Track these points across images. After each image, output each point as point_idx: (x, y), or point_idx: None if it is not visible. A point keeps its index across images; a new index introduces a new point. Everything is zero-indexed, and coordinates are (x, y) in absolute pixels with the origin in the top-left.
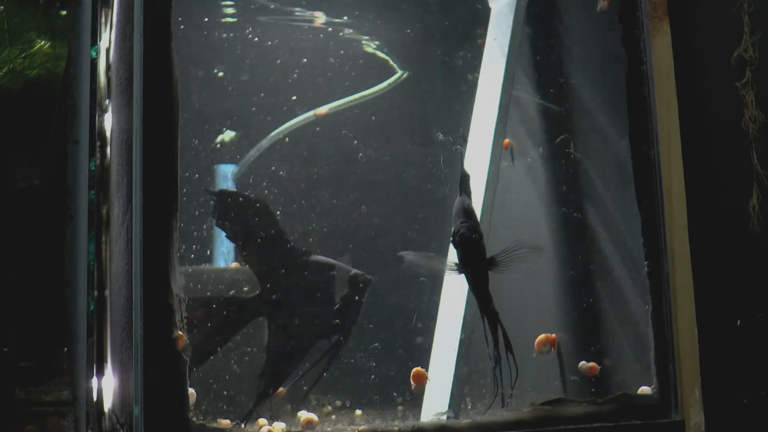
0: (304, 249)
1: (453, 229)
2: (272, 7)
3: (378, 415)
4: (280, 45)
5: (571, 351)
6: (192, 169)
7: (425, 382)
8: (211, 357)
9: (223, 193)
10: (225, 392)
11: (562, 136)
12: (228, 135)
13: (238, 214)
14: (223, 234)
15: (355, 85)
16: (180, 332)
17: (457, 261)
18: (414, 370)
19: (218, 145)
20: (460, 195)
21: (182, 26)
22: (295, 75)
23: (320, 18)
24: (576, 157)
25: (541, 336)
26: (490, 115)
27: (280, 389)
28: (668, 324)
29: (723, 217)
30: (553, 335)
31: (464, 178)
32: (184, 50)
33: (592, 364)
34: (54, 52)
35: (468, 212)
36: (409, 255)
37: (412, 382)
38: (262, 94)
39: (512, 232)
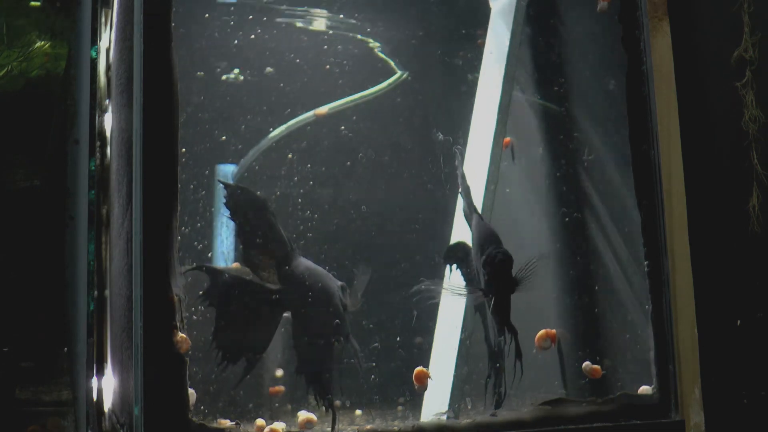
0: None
1: (484, 254)
2: (273, 6)
3: (378, 415)
4: (280, 45)
5: (571, 351)
6: (192, 169)
7: (427, 382)
8: (259, 359)
9: (237, 188)
10: (224, 392)
11: (583, 145)
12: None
13: (250, 210)
14: (234, 227)
15: (355, 85)
16: (182, 334)
17: (479, 285)
18: (416, 369)
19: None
20: (478, 217)
21: (182, 26)
22: (295, 75)
23: (321, 18)
24: (589, 159)
25: (541, 332)
26: (490, 115)
27: (280, 387)
28: (668, 324)
29: (723, 217)
30: (553, 330)
31: (468, 191)
32: (185, 50)
33: (596, 366)
34: (54, 52)
35: (497, 238)
36: (426, 284)
37: (414, 381)
38: (263, 94)
39: (512, 232)
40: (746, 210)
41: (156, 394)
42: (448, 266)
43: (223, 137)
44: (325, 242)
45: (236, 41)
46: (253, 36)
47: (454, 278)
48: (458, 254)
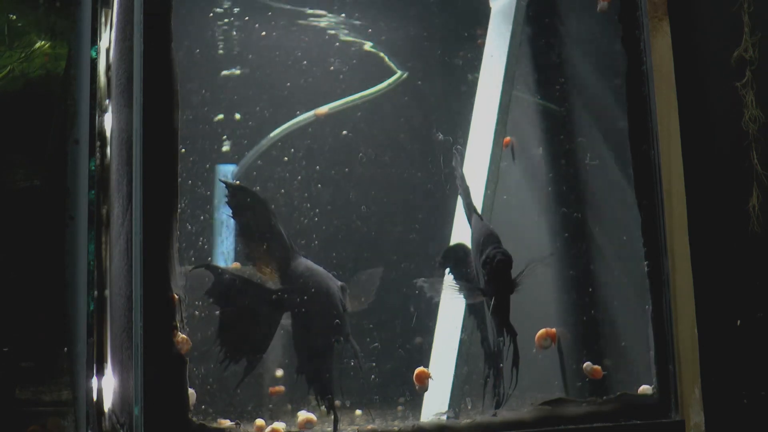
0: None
1: (484, 254)
2: (273, 6)
3: (378, 415)
4: (280, 44)
5: (571, 351)
6: (192, 169)
7: (428, 382)
8: (260, 359)
9: (239, 188)
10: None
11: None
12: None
13: (252, 209)
14: (234, 226)
15: (355, 85)
16: (183, 335)
17: (477, 285)
18: (417, 370)
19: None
20: (477, 217)
21: (184, 24)
22: (296, 75)
23: (321, 18)
24: (591, 163)
25: (542, 330)
26: (490, 115)
27: (280, 387)
28: (668, 324)
29: (723, 217)
30: (553, 329)
31: (467, 192)
32: (185, 49)
33: (597, 367)
34: (54, 52)
35: (496, 238)
36: (425, 282)
37: (414, 381)
38: (263, 94)
39: (512, 233)
40: (746, 210)
41: (156, 394)
42: (446, 269)
43: (224, 136)
44: (325, 242)
45: (236, 40)
46: (253, 35)
47: (451, 280)
48: (457, 256)
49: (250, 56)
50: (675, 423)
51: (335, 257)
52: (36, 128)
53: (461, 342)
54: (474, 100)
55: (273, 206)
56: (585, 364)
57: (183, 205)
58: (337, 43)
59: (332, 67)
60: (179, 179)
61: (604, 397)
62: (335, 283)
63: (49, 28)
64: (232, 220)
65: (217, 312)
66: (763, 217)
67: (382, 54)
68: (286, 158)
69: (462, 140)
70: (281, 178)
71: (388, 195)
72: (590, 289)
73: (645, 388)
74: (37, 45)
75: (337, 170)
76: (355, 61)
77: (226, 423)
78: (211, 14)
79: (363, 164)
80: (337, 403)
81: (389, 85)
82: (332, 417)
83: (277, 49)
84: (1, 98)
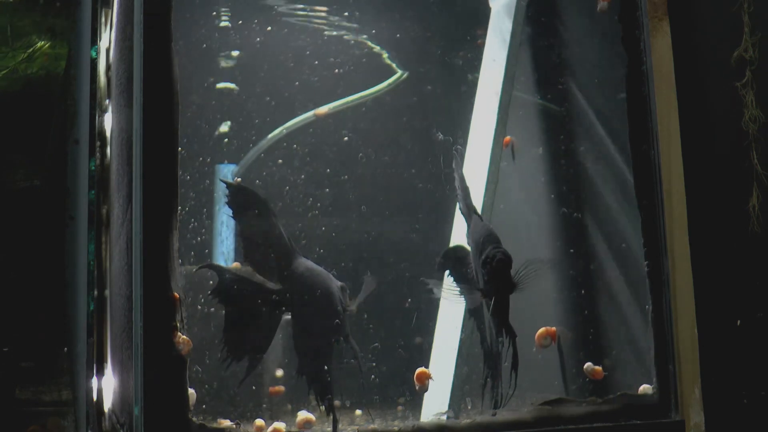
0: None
1: (483, 254)
2: (272, 6)
3: (378, 415)
4: (280, 44)
5: (571, 351)
6: (192, 169)
7: (428, 383)
8: (260, 358)
9: (239, 188)
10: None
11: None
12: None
13: (252, 209)
14: (235, 226)
15: (356, 85)
16: (184, 336)
17: (478, 286)
18: (418, 370)
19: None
20: (477, 217)
21: (183, 23)
22: (295, 75)
23: (320, 18)
24: (587, 164)
25: (542, 329)
26: (490, 115)
27: (280, 387)
28: (668, 324)
29: (723, 217)
30: (553, 328)
31: (466, 192)
32: (184, 49)
33: (598, 368)
34: (54, 52)
35: (496, 238)
36: (432, 282)
37: (415, 381)
38: (263, 94)
39: (512, 233)
40: (746, 210)
41: (156, 394)
42: (445, 270)
43: (226, 139)
44: (325, 242)
45: (236, 40)
46: (254, 35)
47: (451, 283)
48: (456, 257)
49: (250, 55)
50: (675, 423)
51: (335, 257)
52: (36, 128)
53: (461, 342)
54: (474, 100)
55: (276, 206)
56: (586, 365)
57: (187, 203)
58: (338, 43)
59: (332, 67)
60: (179, 179)
61: (604, 397)
62: (335, 283)
63: (49, 28)
64: (232, 220)
65: (221, 311)
66: (763, 217)
67: (382, 54)
68: (280, 160)
69: (462, 140)
70: (282, 178)
71: (388, 195)
72: (590, 289)
73: (645, 388)
74: (38, 45)
75: (336, 170)
76: (355, 61)
77: (226, 423)
78: (213, 13)
79: (363, 164)
80: (337, 403)
81: (389, 85)
82: (332, 417)
83: (277, 49)
84: (1, 98)
